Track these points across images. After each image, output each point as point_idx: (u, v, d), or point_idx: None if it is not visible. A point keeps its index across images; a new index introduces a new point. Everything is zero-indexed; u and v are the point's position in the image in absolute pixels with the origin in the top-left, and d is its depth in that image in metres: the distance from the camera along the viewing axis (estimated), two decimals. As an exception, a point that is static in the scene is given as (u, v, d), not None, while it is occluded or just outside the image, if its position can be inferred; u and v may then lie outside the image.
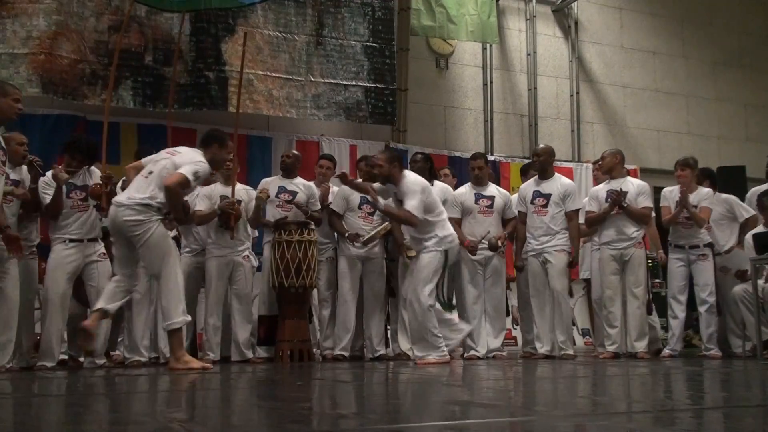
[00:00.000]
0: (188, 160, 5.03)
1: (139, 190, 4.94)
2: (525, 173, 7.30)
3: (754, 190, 7.15)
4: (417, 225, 5.54)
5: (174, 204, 5.00)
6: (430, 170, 6.63)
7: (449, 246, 5.66)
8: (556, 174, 6.73)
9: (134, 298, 5.88)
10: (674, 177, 6.87)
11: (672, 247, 6.74)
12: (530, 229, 6.59)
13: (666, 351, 6.65)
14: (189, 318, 5.11)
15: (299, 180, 6.77)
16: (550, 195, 6.53)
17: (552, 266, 6.43)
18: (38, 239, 5.81)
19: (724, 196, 7.09)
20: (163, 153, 5.21)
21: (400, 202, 5.65)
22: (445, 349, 5.55)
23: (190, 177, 4.93)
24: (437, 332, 5.48)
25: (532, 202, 6.58)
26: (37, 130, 7.35)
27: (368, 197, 6.33)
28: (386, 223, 6.43)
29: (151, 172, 5.01)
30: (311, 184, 6.79)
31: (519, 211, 6.68)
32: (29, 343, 5.62)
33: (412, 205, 5.47)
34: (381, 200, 5.70)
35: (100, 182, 5.61)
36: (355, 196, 6.50)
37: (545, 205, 6.52)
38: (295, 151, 7.22)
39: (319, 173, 7.01)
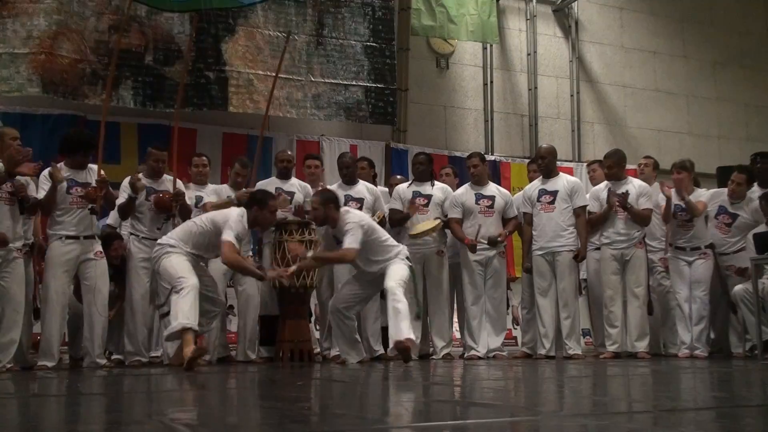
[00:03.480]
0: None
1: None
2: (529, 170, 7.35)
3: None
4: (353, 259, 5.53)
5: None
6: (430, 172, 6.76)
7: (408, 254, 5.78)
8: (561, 173, 6.78)
9: (133, 298, 5.87)
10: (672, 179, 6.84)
11: (673, 248, 6.70)
12: (537, 228, 6.58)
13: (684, 351, 6.49)
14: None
15: (295, 180, 6.79)
16: (556, 192, 6.53)
17: (560, 265, 6.44)
18: (32, 239, 5.69)
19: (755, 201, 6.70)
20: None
21: (339, 242, 5.68)
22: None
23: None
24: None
25: (538, 200, 6.58)
26: (37, 130, 7.37)
27: (352, 194, 6.44)
28: (378, 211, 6.51)
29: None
30: (307, 184, 6.81)
31: (524, 213, 6.70)
32: (29, 343, 5.61)
33: (350, 241, 5.47)
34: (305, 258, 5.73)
35: (96, 186, 5.56)
36: (341, 195, 6.51)
37: (552, 202, 6.53)
38: (288, 152, 7.22)
39: (308, 173, 7.01)
